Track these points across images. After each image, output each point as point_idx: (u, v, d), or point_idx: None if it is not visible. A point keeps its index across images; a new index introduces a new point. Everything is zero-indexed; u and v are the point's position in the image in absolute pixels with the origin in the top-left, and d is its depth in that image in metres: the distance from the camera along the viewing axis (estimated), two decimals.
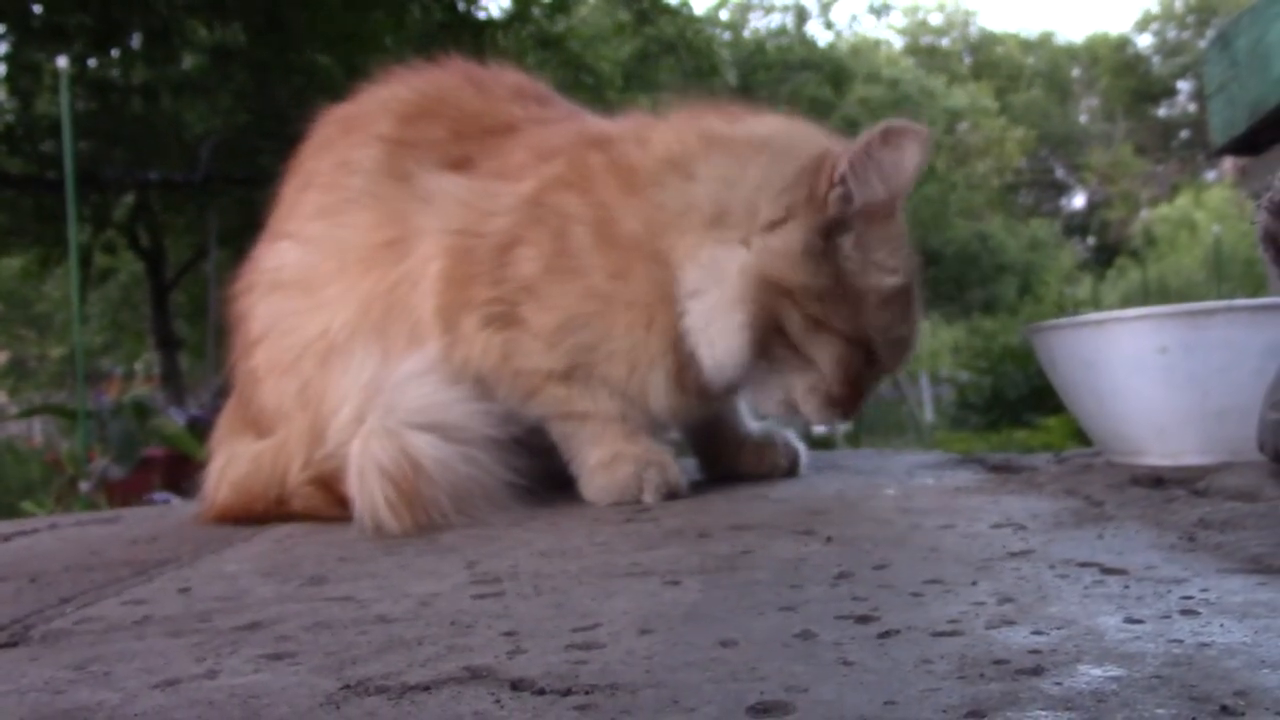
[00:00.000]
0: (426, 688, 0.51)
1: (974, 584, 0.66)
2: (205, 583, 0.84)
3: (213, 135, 8.94)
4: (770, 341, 1.14)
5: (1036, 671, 0.47)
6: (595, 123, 1.34)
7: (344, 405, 1.18)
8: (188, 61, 9.19)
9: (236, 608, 0.73)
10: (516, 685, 0.50)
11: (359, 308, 1.24)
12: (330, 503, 1.18)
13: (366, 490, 1.08)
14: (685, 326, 1.16)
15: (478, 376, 1.22)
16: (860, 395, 1.17)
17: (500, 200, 1.23)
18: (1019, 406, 6.47)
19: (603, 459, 1.21)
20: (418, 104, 1.33)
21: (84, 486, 3.48)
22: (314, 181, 1.33)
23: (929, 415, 9.61)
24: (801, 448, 1.39)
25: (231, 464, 1.28)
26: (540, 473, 1.18)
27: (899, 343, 1.18)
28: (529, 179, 1.23)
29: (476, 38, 8.49)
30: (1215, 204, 17.90)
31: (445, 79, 1.38)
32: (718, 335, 1.14)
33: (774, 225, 1.13)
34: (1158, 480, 1.04)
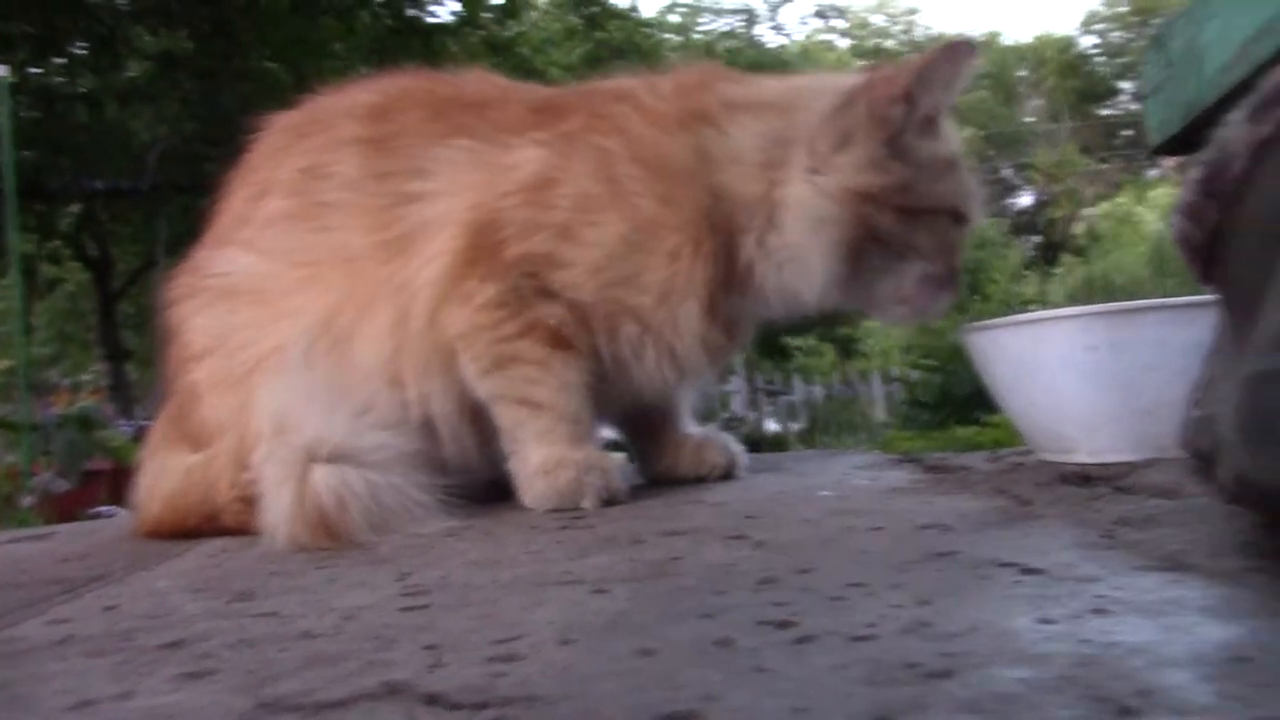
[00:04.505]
0: (342, 704, 0.51)
1: (895, 587, 0.66)
2: (133, 600, 0.83)
3: (159, 143, 8.82)
4: (864, 250, 1.20)
5: (946, 674, 0.48)
6: (602, 82, 1.37)
7: (262, 429, 1.16)
8: (133, 69, 9.08)
9: (161, 625, 0.72)
10: (432, 700, 0.50)
11: (322, 317, 1.23)
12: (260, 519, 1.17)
13: (280, 530, 1.07)
14: (766, 261, 1.23)
15: (447, 345, 1.22)
16: (958, 268, 1.24)
17: (519, 153, 1.24)
18: (968, 404, 6.51)
19: (545, 463, 1.20)
20: (382, 104, 1.33)
21: (26, 501, 3.43)
22: (272, 190, 1.31)
23: (881, 414, 9.66)
24: (740, 449, 1.39)
25: (163, 478, 1.26)
26: (473, 485, 1.18)
27: (974, 196, 1.25)
28: (543, 129, 1.25)
29: (426, 43, 8.46)
30: (1157, 201, 18.13)
31: (406, 80, 1.39)
32: (814, 255, 1.20)
33: (837, 149, 1.19)
34: (1085, 478, 1.05)
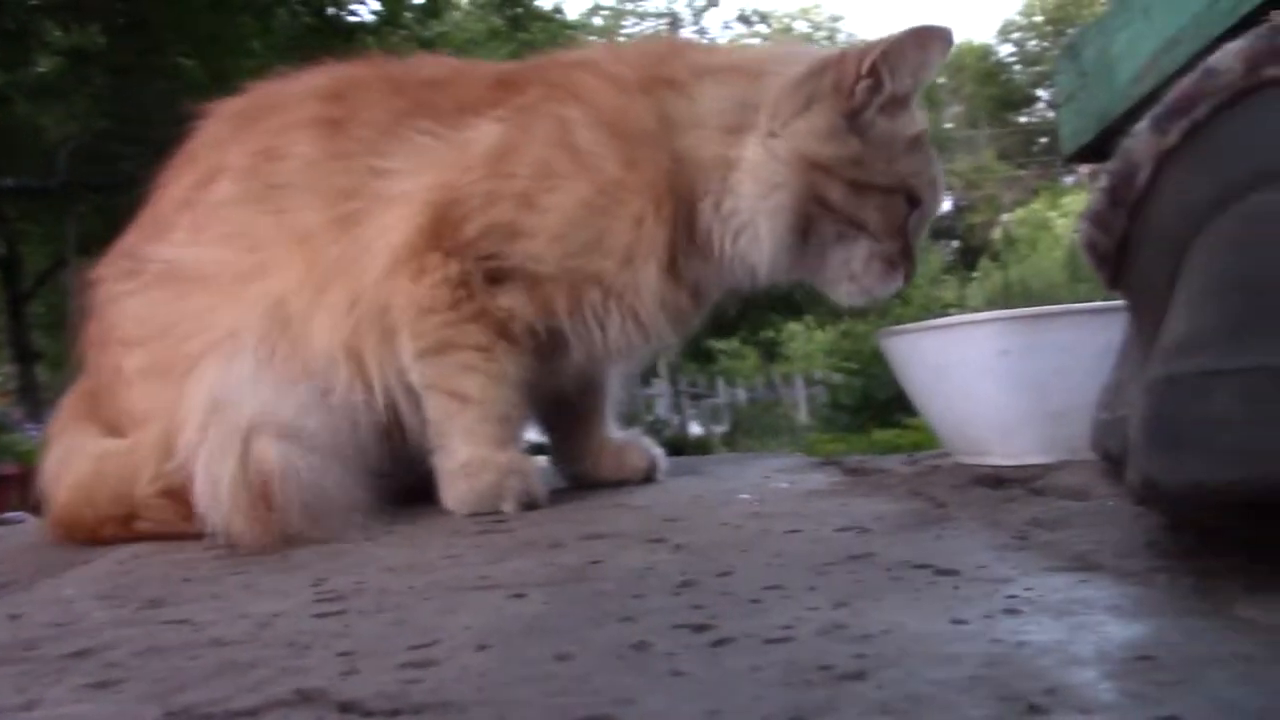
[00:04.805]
0: (253, 713, 0.50)
1: (811, 589, 0.67)
2: (39, 608, 0.81)
3: (70, 140, 8.64)
4: (814, 219, 1.20)
5: (859, 676, 0.48)
6: (563, 53, 1.38)
7: (194, 412, 1.13)
8: (43, 64, 8.88)
9: (67, 634, 0.70)
10: (346, 707, 0.49)
11: (277, 301, 1.20)
12: (183, 515, 1.13)
13: (221, 498, 1.05)
14: (722, 226, 1.22)
15: (389, 323, 1.20)
16: (911, 251, 1.24)
17: (478, 130, 1.23)
18: (889, 407, 6.61)
19: (469, 463, 1.19)
20: (338, 86, 1.31)
21: None
22: (221, 174, 1.27)
23: (803, 417, 9.76)
24: (660, 453, 1.40)
25: (72, 459, 1.22)
26: (398, 487, 1.17)
27: (933, 181, 1.26)
28: (502, 106, 1.24)
29: (347, 42, 8.39)
30: (1068, 208, 18.52)
31: (360, 65, 1.38)
32: (763, 221, 1.20)
33: (798, 114, 1.19)
34: (999, 480, 1.07)
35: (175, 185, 1.31)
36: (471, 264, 1.20)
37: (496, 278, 1.21)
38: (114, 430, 1.24)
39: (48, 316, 10.91)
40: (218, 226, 1.26)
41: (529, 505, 1.18)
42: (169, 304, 1.24)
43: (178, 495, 1.14)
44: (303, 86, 1.33)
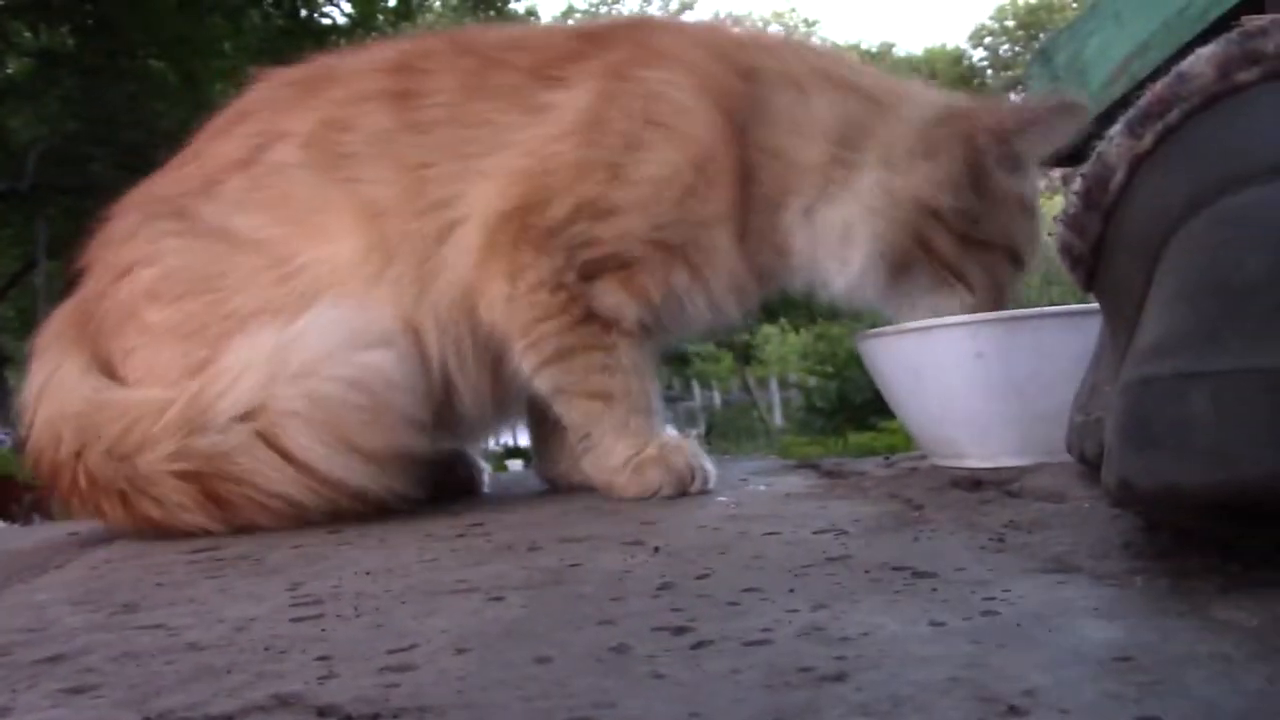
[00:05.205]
0: (230, 718, 0.49)
1: (790, 591, 0.67)
2: (10, 614, 0.81)
3: (40, 142, 8.57)
4: (914, 260, 1.20)
5: (840, 678, 0.48)
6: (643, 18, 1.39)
7: (244, 374, 1.11)
8: (11, 65, 8.81)
9: (40, 640, 0.70)
10: (324, 712, 0.49)
11: (334, 268, 1.19)
12: (200, 502, 1.10)
13: (327, 409, 1.07)
14: (807, 230, 1.22)
15: (495, 332, 1.20)
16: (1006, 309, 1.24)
17: (563, 93, 1.21)
18: (865, 410, 6.63)
19: (630, 459, 1.19)
20: (403, 60, 1.29)
21: None
22: (285, 140, 1.25)
23: (778, 419, 9.78)
24: None
25: (54, 386, 1.19)
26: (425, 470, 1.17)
27: (1034, 239, 1.26)
28: (587, 62, 1.22)
29: (319, 44, 8.35)
30: (1045, 210, 18.62)
31: (422, 38, 1.37)
32: (858, 246, 1.19)
33: (919, 157, 1.19)
34: (976, 482, 1.08)
35: (225, 142, 1.29)
36: (563, 259, 1.18)
37: (589, 274, 1.19)
38: (106, 366, 1.21)
39: (17, 320, 10.82)
40: (277, 188, 1.23)
41: (701, 483, 1.19)
42: (213, 260, 1.21)
43: (202, 477, 1.10)
44: (366, 60, 1.32)
